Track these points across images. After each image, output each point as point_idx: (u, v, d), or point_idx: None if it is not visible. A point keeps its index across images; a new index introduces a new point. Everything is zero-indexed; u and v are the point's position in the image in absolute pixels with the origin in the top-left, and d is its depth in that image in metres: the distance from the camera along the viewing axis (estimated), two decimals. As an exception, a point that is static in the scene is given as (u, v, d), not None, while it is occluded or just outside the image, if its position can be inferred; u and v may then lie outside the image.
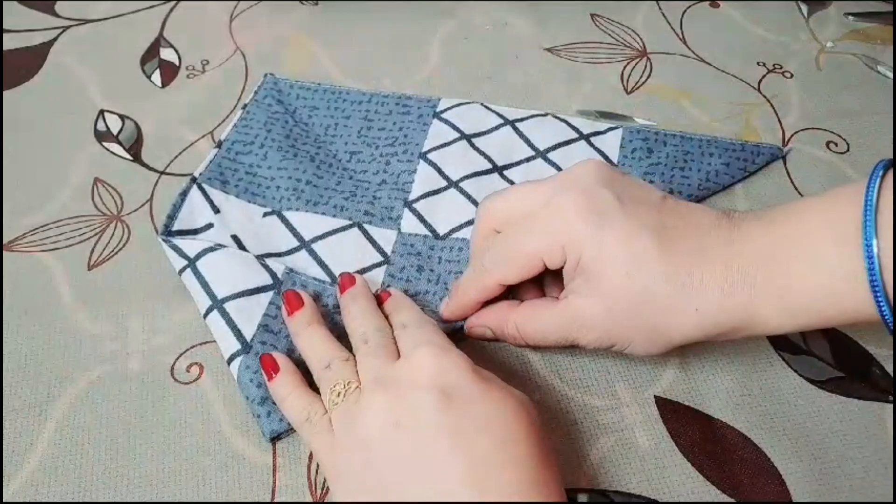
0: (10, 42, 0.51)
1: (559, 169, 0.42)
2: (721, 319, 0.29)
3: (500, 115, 0.45)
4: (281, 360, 0.33)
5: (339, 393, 0.30)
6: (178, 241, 0.38)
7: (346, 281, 0.35)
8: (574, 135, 0.44)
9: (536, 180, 0.34)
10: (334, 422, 0.30)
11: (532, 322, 0.33)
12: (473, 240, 0.36)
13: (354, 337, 0.33)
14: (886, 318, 0.27)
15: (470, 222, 0.39)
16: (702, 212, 0.31)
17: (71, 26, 0.53)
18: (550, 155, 0.43)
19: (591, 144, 0.44)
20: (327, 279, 0.37)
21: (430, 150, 0.43)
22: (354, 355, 0.32)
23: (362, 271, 0.38)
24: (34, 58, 0.50)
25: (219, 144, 0.43)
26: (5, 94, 0.48)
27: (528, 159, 0.43)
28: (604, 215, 0.30)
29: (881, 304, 0.27)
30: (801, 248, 0.28)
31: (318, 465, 0.32)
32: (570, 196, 0.31)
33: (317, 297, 0.36)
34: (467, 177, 0.41)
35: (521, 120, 0.45)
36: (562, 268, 0.32)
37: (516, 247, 0.32)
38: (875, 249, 0.26)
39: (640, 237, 0.30)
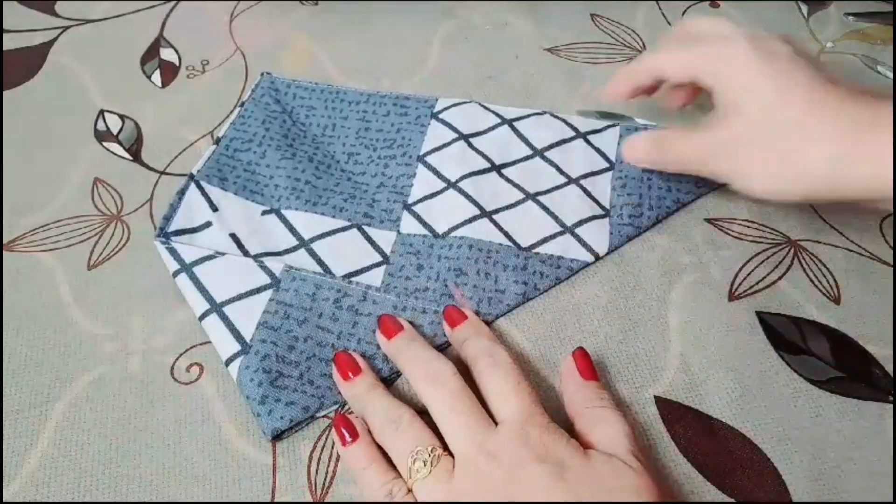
0: (10, 42, 0.51)
1: (557, 168, 0.42)
2: (847, 169, 0.31)
3: (498, 115, 0.45)
4: (359, 426, 0.31)
5: (424, 462, 0.28)
6: (175, 244, 0.38)
7: (392, 325, 0.34)
8: (571, 133, 0.44)
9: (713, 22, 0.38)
10: (422, 495, 0.28)
11: (676, 142, 0.37)
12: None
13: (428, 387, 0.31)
14: None
15: (468, 221, 0.39)
16: (841, 89, 0.34)
17: (71, 26, 0.53)
18: (548, 154, 0.43)
19: (589, 143, 0.44)
20: (326, 276, 0.37)
21: (428, 153, 0.43)
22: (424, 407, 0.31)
23: (362, 271, 0.38)
24: (34, 58, 0.50)
25: (216, 141, 0.43)
26: (5, 94, 0.48)
27: (525, 158, 0.43)
28: (776, 57, 0.34)
29: None
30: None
31: (318, 465, 0.32)
32: (746, 38, 0.35)
33: (318, 288, 0.36)
34: (465, 176, 0.41)
35: (519, 119, 0.45)
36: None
37: (688, 50, 0.36)
38: None
39: (795, 84, 0.33)
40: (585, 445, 0.30)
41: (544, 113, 0.45)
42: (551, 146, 0.44)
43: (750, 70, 0.34)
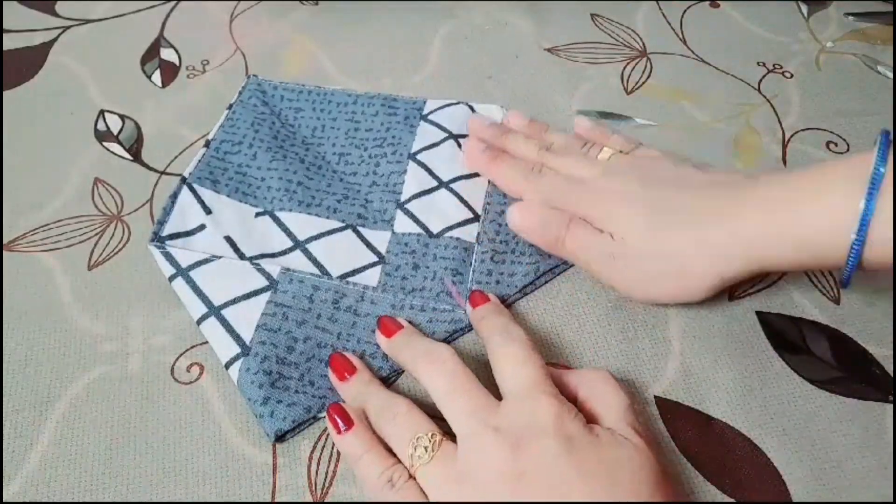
0: (10, 42, 0.51)
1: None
2: (731, 251, 0.33)
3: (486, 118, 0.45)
4: (354, 413, 0.31)
5: (425, 448, 0.28)
6: (170, 248, 0.38)
7: (392, 325, 0.35)
8: None
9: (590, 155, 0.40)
10: (426, 481, 0.28)
11: (579, 238, 0.36)
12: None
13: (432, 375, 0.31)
14: (852, 259, 0.30)
15: (461, 223, 0.39)
16: (712, 173, 0.36)
17: (71, 26, 0.53)
18: None
19: None
20: (324, 277, 0.37)
21: (418, 151, 0.43)
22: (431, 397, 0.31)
23: (358, 271, 0.38)
24: (34, 58, 0.50)
25: (207, 144, 0.43)
26: (5, 94, 0.48)
27: None
28: (629, 200, 0.36)
29: (856, 247, 0.29)
30: (817, 189, 0.31)
31: (318, 465, 0.32)
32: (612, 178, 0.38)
33: (315, 290, 0.36)
34: (456, 179, 0.42)
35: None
36: None
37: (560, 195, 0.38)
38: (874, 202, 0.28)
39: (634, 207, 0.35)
40: (588, 417, 0.30)
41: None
42: None
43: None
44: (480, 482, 0.27)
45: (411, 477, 0.29)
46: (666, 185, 0.36)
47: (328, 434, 0.33)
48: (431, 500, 0.28)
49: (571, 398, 0.31)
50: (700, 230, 0.33)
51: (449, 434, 0.29)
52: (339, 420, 0.31)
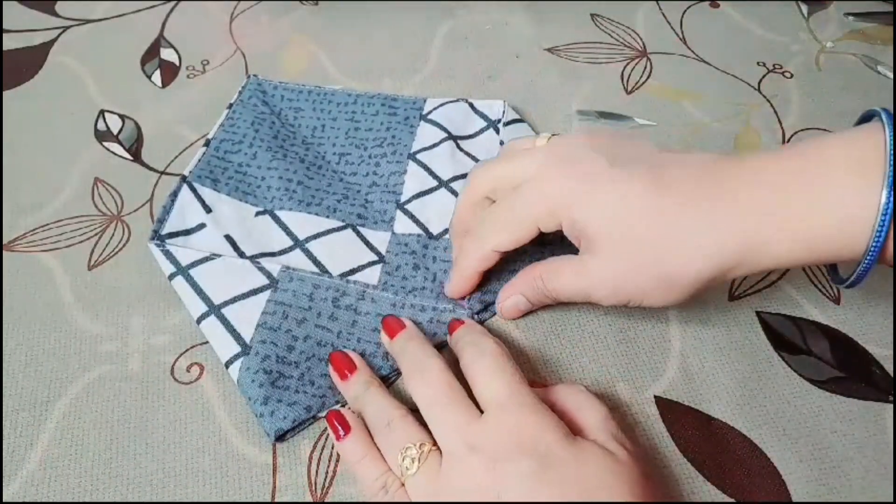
0: (10, 42, 0.51)
1: None
2: (727, 250, 0.29)
3: (485, 117, 0.45)
4: (352, 419, 0.31)
5: (412, 459, 0.28)
6: (170, 247, 0.38)
7: (395, 325, 0.34)
8: None
9: (527, 148, 0.35)
10: (413, 491, 0.28)
11: (553, 278, 0.33)
12: (459, 206, 0.36)
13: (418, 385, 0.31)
14: (875, 247, 0.27)
15: None
16: (701, 154, 0.32)
17: (71, 26, 0.53)
18: None
19: None
20: (324, 275, 0.37)
21: (418, 151, 0.43)
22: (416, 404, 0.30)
23: (358, 269, 0.38)
24: (34, 58, 0.50)
25: (207, 143, 0.43)
26: (5, 94, 0.48)
27: None
28: (593, 177, 0.31)
29: (881, 233, 0.26)
30: (818, 178, 0.28)
31: (318, 465, 0.32)
32: (559, 163, 0.32)
33: (315, 288, 0.36)
34: (456, 178, 0.42)
35: (506, 124, 0.45)
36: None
37: (509, 213, 0.33)
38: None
39: (631, 191, 0.30)
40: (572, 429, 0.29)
41: (523, 121, 0.45)
42: None
43: (578, 199, 0.31)
44: (458, 496, 0.27)
45: (403, 485, 0.29)
46: (640, 162, 0.32)
47: (328, 434, 0.33)
48: None
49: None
50: (685, 222, 0.30)
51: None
52: (338, 426, 0.31)
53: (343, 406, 0.33)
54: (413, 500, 0.28)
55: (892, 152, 0.26)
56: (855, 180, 0.27)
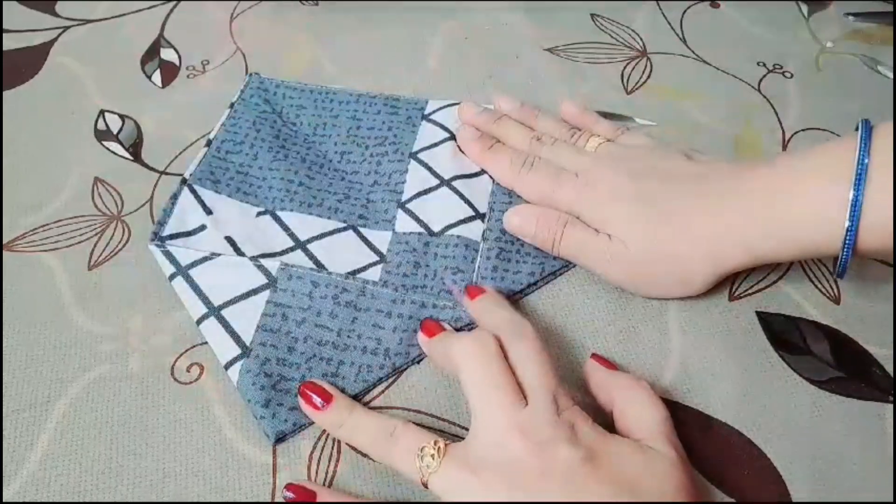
0: (10, 42, 0.51)
1: None
2: (726, 251, 0.35)
3: None
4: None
5: (431, 456, 0.29)
6: (170, 248, 0.38)
7: (431, 329, 0.35)
8: None
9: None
10: (440, 486, 0.28)
11: (575, 241, 0.37)
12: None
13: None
14: (848, 244, 0.31)
15: (464, 220, 0.39)
16: (698, 167, 0.37)
17: (71, 26, 0.53)
18: None
19: None
20: (322, 272, 0.37)
21: (419, 150, 0.43)
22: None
23: (359, 270, 0.38)
24: (34, 58, 0.50)
25: (208, 143, 0.43)
26: (5, 94, 0.48)
27: None
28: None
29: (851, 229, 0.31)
30: (797, 185, 0.33)
31: (318, 465, 0.32)
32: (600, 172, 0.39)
33: (315, 286, 0.36)
34: (457, 177, 0.42)
35: None
36: None
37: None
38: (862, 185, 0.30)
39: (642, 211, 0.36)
40: (622, 430, 0.30)
41: None
42: None
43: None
44: (501, 471, 0.27)
45: (424, 485, 0.29)
46: (655, 177, 0.37)
47: (328, 434, 0.33)
48: (448, 499, 0.28)
49: (606, 403, 0.32)
50: (694, 228, 0.35)
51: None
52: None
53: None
54: (442, 493, 0.28)
55: (861, 155, 0.31)
56: (827, 184, 0.31)
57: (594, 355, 0.34)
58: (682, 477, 0.28)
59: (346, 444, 0.32)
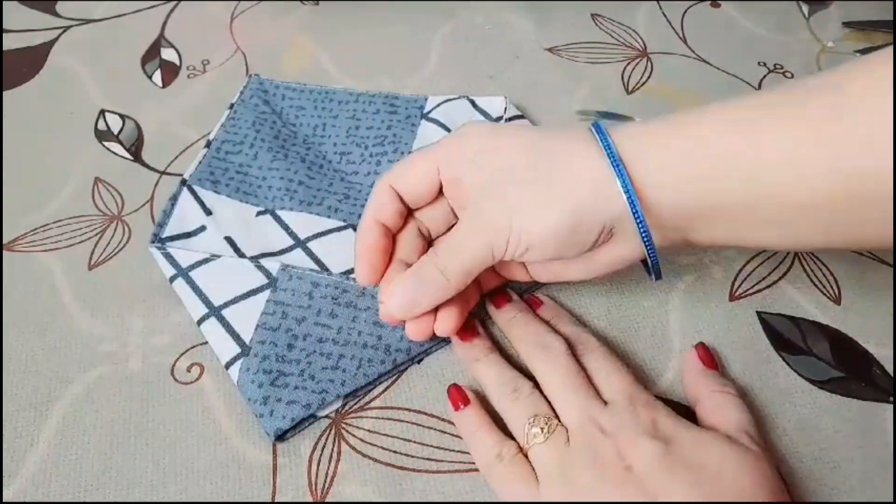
0: (10, 42, 0.51)
1: None
2: (584, 205, 0.29)
3: (486, 114, 0.45)
4: (470, 393, 0.33)
5: (542, 428, 0.29)
6: (170, 249, 0.38)
7: (502, 299, 0.36)
8: None
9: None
10: (537, 459, 0.29)
11: (452, 246, 0.31)
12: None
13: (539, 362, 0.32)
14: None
15: None
16: (531, 133, 0.32)
17: (71, 26, 0.53)
18: None
19: None
20: (323, 273, 0.37)
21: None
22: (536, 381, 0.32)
23: None
24: (34, 58, 0.50)
25: (208, 144, 0.43)
26: (5, 94, 0.48)
27: None
28: (476, 136, 0.32)
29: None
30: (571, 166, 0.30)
31: (318, 465, 0.32)
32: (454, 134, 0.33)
33: (315, 286, 0.36)
34: None
35: (508, 120, 0.45)
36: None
37: (409, 157, 0.34)
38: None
39: (507, 151, 0.31)
40: (706, 427, 0.31)
41: (524, 117, 0.45)
42: None
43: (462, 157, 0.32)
44: (588, 472, 0.28)
45: (521, 452, 0.30)
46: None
47: (329, 434, 0.33)
48: (539, 478, 0.29)
49: (692, 399, 0.33)
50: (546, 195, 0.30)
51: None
52: (456, 398, 0.32)
53: (343, 403, 0.33)
54: (537, 468, 0.29)
55: (605, 143, 0.29)
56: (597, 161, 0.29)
57: (699, 345, 0.35)
58: (767, 471, 0.28)
59: (473, 377, 0.34)
